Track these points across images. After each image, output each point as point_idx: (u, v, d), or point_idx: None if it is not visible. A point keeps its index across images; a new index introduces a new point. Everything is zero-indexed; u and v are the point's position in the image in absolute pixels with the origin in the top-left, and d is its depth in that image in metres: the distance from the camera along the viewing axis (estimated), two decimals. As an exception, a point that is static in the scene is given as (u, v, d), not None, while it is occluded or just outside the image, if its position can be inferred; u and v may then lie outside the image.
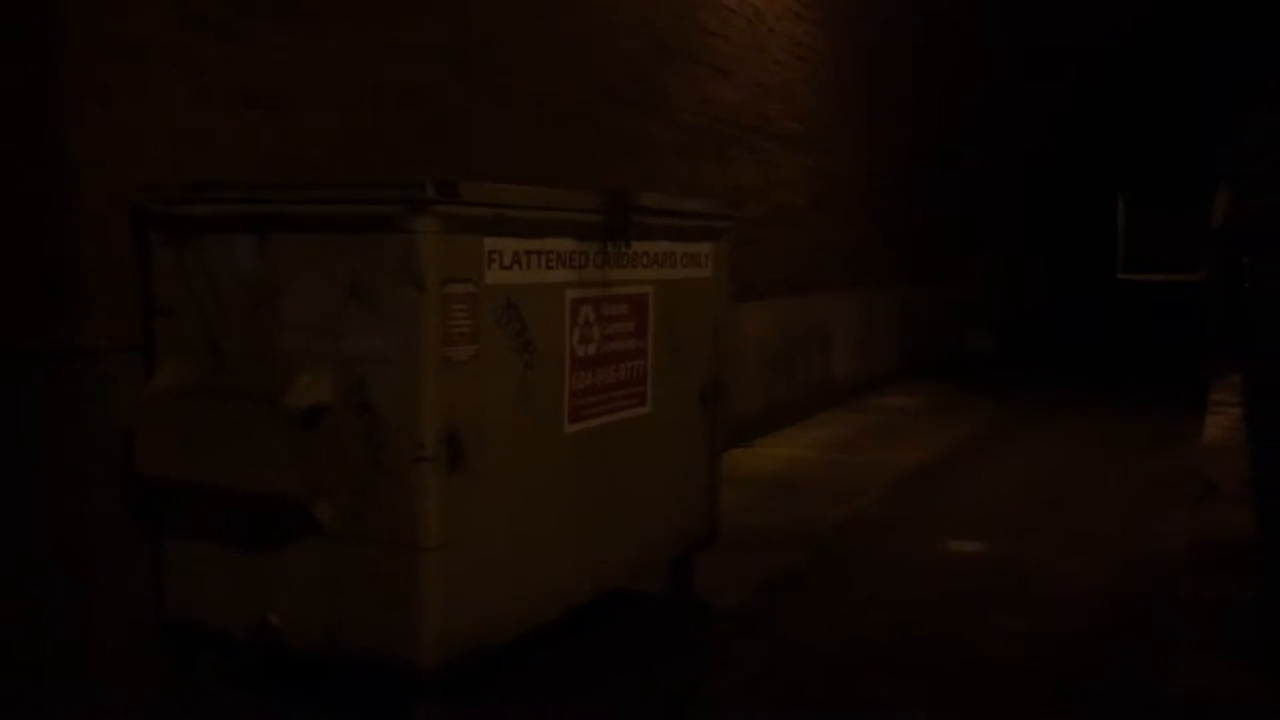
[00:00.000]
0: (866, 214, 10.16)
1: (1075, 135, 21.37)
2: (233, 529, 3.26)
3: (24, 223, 3.17)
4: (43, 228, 3.20)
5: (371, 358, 3.00)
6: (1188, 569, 4.63)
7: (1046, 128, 18.51)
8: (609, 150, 6.08)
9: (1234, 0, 18.44)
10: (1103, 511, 6.03)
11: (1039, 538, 5.45)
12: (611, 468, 3.71)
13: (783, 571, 4.84)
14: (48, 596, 3.24)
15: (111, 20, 3.32)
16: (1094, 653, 3.94)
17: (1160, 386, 10.95)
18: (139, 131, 3.41)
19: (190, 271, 3.29)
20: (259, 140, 3.82)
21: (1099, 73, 22.86)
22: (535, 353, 3.31)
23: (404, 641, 3.02)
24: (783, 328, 8.41)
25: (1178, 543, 5.15)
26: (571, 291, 3.47)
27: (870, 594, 4.56)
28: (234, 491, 3.12)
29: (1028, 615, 4.30)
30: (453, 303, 3.00)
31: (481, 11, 4.99)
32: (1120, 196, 33.09)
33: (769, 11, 8.01)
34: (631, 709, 3.49)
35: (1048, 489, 6.61)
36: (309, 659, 3.22)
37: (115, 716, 3.30)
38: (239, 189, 3.28)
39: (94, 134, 3.29)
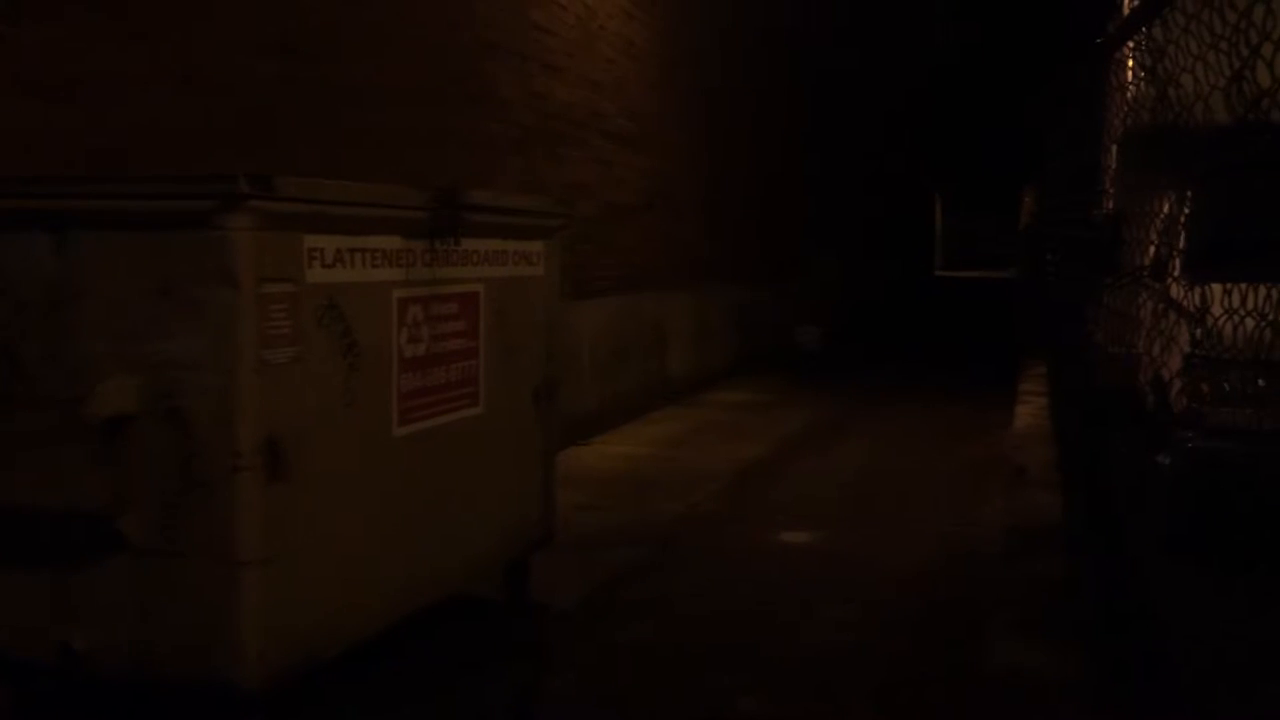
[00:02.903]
0: (702, 213, 10.32)
1: (900, 139, 22.28)
2: (29, 548, 3.02)
3: None
4: None
5: (182, 362, 2.83)
6: (1003, 552, 4.87)
7: (873, 131, 19.23)
8: (441, 146, 5.96)
9: (1048, 15, 19.62)
10: (924, 499, 6.29)
11: (865, 526, 5.64)
12: (444, 470, 3.62)
13: (620, 569, 4.85)
14: None
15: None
16: (918, 636, 4.09)
17: (974, 378, 11.53)
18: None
19: (-23, 271, 3.03)
20: (59, 132, 3.56)
21: (924, 80, 23.93)
22: (360, 354, 3.20)
23: (224, 661, 2.86)
24: (618, 326, 8.45)
25: (993, 527, 5.41)
26: (399, 291, 3.37)
27: (706, 588, 4.61)
28: (30, 508, 2.89)
29: (856, 602, 4.44)
30: (270, 303, 2.86)
31: (304, 1, 4.81)
32: (938, 198, 34.70)
33: (600, 10, 8.02)
34: (468, 715, 3.43)
35: (873, 479, 6.86)
36: (120, 685, 3.02)
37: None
38: (33, 184, 3.05)
39: None
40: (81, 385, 2.86)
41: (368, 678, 3.52)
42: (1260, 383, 3.68)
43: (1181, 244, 4.50)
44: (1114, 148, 3.91)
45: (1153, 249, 3.36)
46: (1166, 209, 4.16)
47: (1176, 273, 4.26)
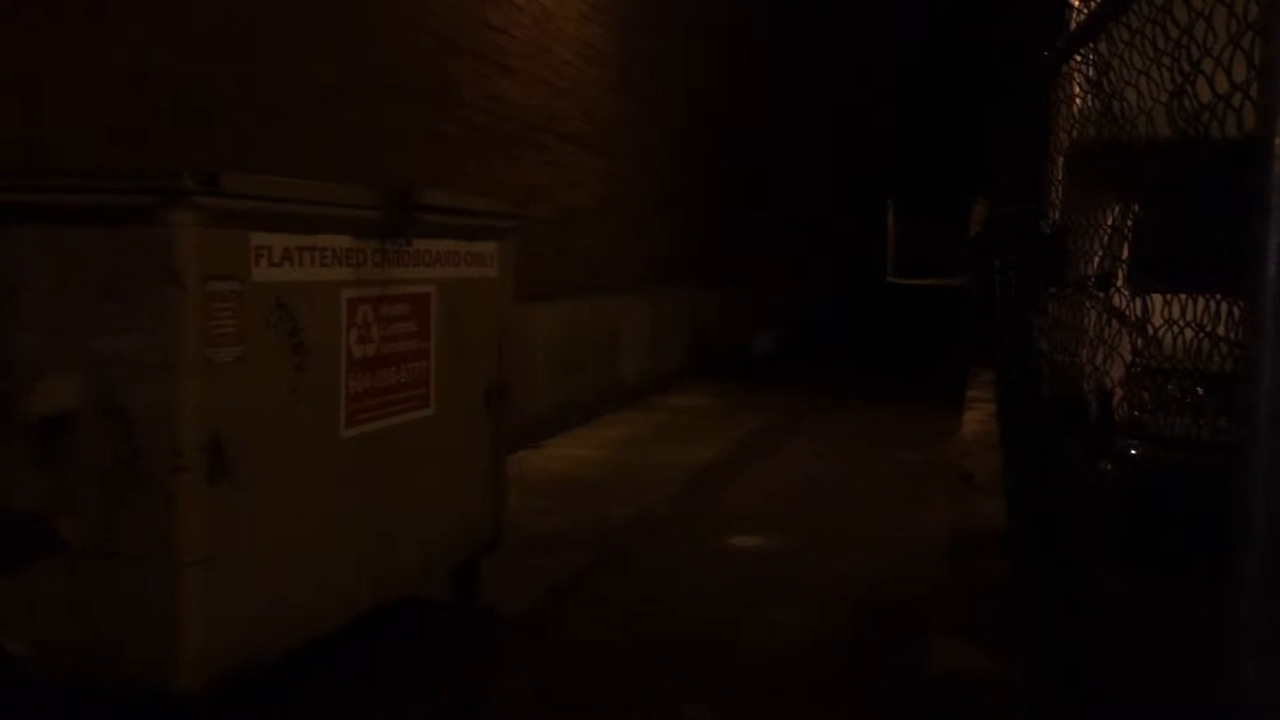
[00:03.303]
0: (657, 217, 10.33)
1: (855, 147, 22.46)
2: (-37, 549, 2.95)
3: None
4: None
5: (125, 360, 2.79)
6: (947, 557, 4.92)
7: (829, 138, 19.37)
8: (396, 146, 5.91)
9: (1003, 27, 19.97)
10: (871, 504, 6.34)
11: (814, 531, 5.67)
12: (392, 472, 3.59)
13: (570, 573, 4.84)
14: None
15: None
16: (865, 639, 4.12)
17: (924, 385, 11.65)
18: None
19: (-89, 265, 2.96)
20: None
21: (880, 89, 24.13)
22: (308, 354, 3.16)
23: (162, 665, 2.81)
24: (572, 329, 8.43)
25: (938, 532, 5.47)
26: (348, 290, 3.34)
27: (655, 592, 4.62)
28: (-37, 508, 2.82)
29: (801, 607, 4.46)
30: (215, 301, 2.82)
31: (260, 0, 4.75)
32: (890, 206, 35.03)
33: (558, 12, 8.01)
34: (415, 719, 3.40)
35: (823, 484, 6.90)
36: (56, 689, 2.96)
37: None
38: (-31, 175, 2.99)
39: None
40: (18, 382, 2.80)
41: (313, 681, 3.48)
42: (1199, 391, 3.76)
43: (1124, 255, 4.59)
44: (1060, 160, 3.97)
45: (1096, 260, 3.41)
46: (1110, 221, 4.22)
47: (1119, 283, 4.33)
